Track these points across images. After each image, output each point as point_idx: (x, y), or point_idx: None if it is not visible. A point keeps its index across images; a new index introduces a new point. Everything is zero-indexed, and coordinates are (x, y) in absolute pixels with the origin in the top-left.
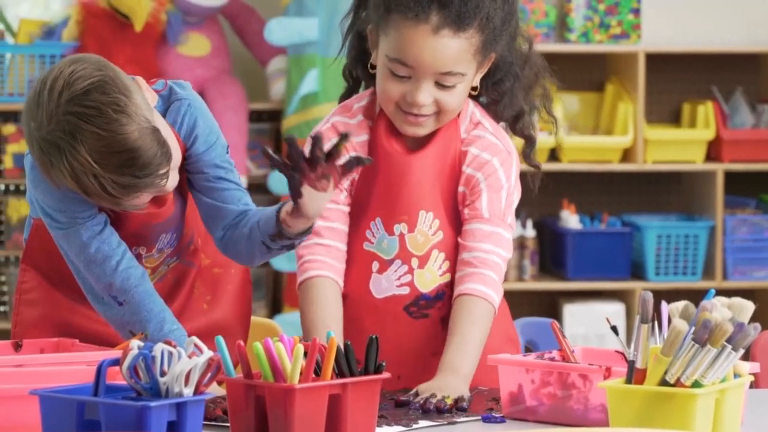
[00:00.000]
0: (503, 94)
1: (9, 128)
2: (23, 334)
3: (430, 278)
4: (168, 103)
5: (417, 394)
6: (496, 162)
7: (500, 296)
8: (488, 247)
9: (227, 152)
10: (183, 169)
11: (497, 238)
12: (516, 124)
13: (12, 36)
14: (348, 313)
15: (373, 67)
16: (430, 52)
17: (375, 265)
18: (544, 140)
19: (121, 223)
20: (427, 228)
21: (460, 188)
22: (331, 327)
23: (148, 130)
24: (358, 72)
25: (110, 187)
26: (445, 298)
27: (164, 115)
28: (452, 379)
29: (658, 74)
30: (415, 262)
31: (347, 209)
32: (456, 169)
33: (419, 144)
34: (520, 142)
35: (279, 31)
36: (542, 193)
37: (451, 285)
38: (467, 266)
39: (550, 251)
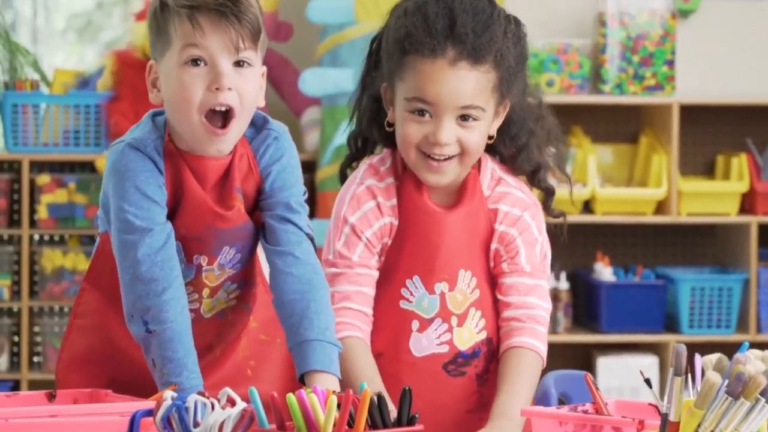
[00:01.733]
0: (520, 149)
1: (44, 178)
2: (66, 369)
3: (467, 336)
4: (259, 130)
5: None
6: (527, 217)
7: (546, 348)
8: (533, 301)
9: (303, 196)
10: (256, 203)
11: (540, 291)
12: (534, 177)
13: (47, 86)
14: (385, 371)
15: (390, 125)
16: (449, 86)
17: (415, 324)
18: (577, 192)
19: (187, 222)
20: (466, 286)
21: (494, 245)
22: (374, 378)
23: (259, 10)
24: (374, 134)
25: None
26: (480, 355)
27: (251, 142)
28: (506, 425)
29: (692, 126)
30: (454, 321)
31: (377, 274)
32: (488, 226)
33: (449, 202)
34: (538, 193)
35: (313, 81)
36: (576, 245)
37: (486, 342)
38: (515, 321)
39: (584, 303)
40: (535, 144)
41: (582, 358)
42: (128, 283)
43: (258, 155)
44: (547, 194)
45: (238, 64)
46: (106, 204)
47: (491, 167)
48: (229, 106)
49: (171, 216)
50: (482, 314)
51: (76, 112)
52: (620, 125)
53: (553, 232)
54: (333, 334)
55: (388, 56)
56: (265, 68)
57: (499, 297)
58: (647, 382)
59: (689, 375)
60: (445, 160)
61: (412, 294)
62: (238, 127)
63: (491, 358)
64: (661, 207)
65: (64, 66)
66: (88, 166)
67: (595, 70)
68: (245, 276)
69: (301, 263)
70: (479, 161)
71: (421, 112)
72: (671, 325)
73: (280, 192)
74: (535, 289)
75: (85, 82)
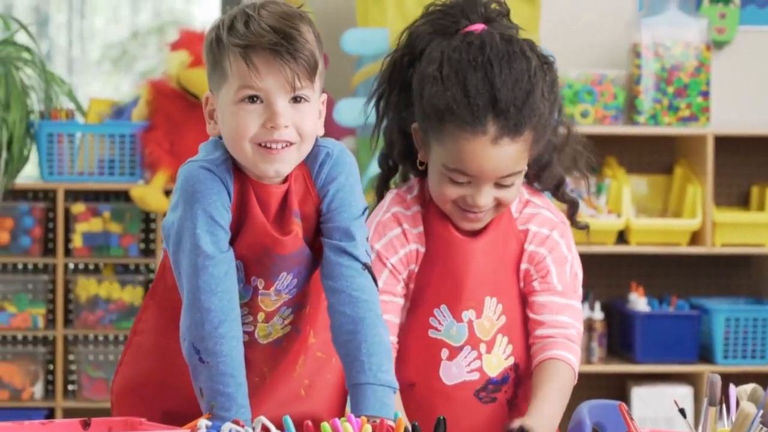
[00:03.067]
0: (544, 167)
1: (79, 207)
2: (121, 391)
3: (496, 362)
4: (311, 148)
5: None
6: (556, 235)
7: (578, 367)
8: (565, 320)
9: (363, 217)
10: (317, 225)
11: (572, 311)
12: (558, 191)
13: (82, 115)
14: (417, 401)
15: (422, 163)
16: (490, 162)
17: (444, 353)
18: (612, 223)
19: (247, 244)
20: (492, 313)
21: (524, 266)
22: (399, 410)
23: (316, 41)
24: (407, 167)
25: (263, 25)
26: (509, 381)
27: (305, 161)
28: (539, 422)
29: (726, 157)
30: (483, 348)
31: (402, 301)
32: (518, 248)
33: (475, 231)
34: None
35: (348, 111)
36: (610, 275)
37: (514, 368)
38: (548, 338)
39: (619, 334)
40: (557, 159)
41: (616, 388)
42: (187, 307)
43: (313, 174)
44: (572, 206)
45: (295, 99)
46: (171, 221)
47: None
48: (287, 143)
49: (234, 237)
50: (509, 340)
51: (111, 142)
52: (655, 156)
53: (590, 261)
54: (388, 374)
55: (424, 115)
56: (325, 96)
57: (531, 315)
58: (682, 412)
59: (724, 405)
60: (482, 212)
61: (440, 323)
62: (297, 154)
63: (519, 383)
64: (695, 238)
65: (99, 95)
66: (123, 195)
67: (630, 100)
68: (301, 300)
69: (354, 301)
70: None
71: (460, 179)
72: (706, 355)
73: (338, 214)
74: (566, 309)
75: (120, 112)
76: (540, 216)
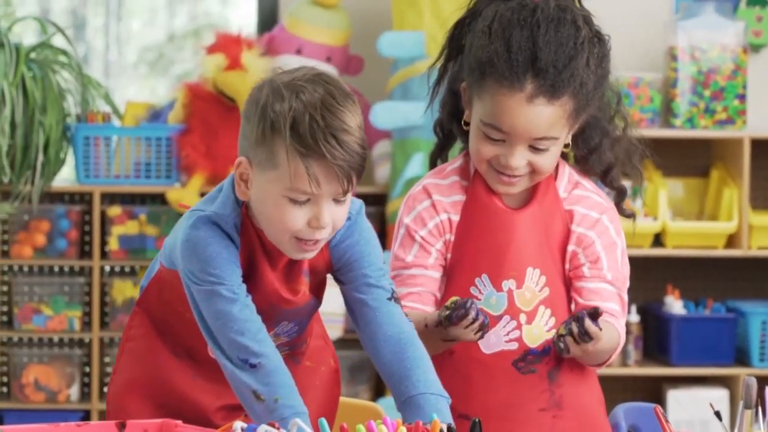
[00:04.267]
0: (592, 150)
1: (115, 210)
2: (119, 393)
3: (537, 334)
4: None
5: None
6: (605, 220)
7: (621, 347)
8: (615, 308)
9: (384, 265)
10: (325, 276)
11: (620, 301)
12: (606, 177)
13: (119, 118)
14: (455, 368)
15: (467, 124)
16: (524, 120)
17: None
18: (648, 225)
19: (253, 298)
20: (534, 284)
21: (571, 247)
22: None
23: (362, 138)
24: (453, 128)
25: (328, 139)
26: (551, 353)
27: None
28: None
29: (763, 160)
30: (523, 318)
31: (435, 273)
32: (563, 228)
33: (521, 202)
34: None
35: (384, 115)
36: (646, 278)
37: None
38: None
39: (655, 337)
40: (608, 144)
41: (652, 391)
42: (221, 328)
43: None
44: (619, 194)
45: (337, 200)
46: (174, 248)
47: (568, 171)
48: (322, 238)
49: None
50: (552, 312)
51: (148, 145)
52: (691, 159)
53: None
54: (435, 384)
55: (469, 69)
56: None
57: (580, 301)
58: (717, 415)
59: (760, 408)
60: (515, 176)
61: (480, 291)
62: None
63: (562, 356)
64: (731, 241)
65: (136, 99)
66: (159, 198)
67: (666, 104)
68: (299, 341)
69: (387, 325)
70: (556, 165)
71: (495, 136)
72: (742, 358)
73: (357, 263)
74: (615, 298)
75: (156, 115)
76: (590, 199)
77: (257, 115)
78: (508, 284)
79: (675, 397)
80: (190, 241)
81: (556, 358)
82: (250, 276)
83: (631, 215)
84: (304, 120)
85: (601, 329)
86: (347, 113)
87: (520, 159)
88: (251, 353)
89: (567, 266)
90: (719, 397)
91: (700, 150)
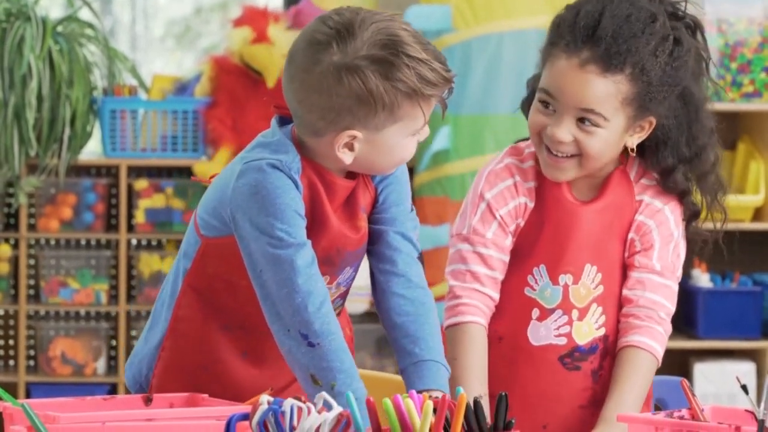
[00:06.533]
0: (665, 171)
1: (141, 183)
2: (162, 375)
3: (587, 331)
4: None
5: None
6: (667, 210)
7: (663, 350)
8: (657, 300)
9: (413, 211)
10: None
11: (666, 292)
12: (682, 200)
13: (145, 92)
14: (503, 355)
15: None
16: (573, 86)
17: (535, 312)
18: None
19: (319, 244)
20: (590, 281)
21: (631, 235)
22: (481, 378)
23: None
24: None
25: (439, 68)
26: (597, 352)
27: None
28: (612, 431)
29: None
30: (575, 314)
31: (507, 258)
32: (629, 220)
33: (589, 196)
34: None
35: None
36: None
37: (604, 339)
38: (634, 318)
39: (681, 310)
40: (682, 170)
41: (679, 365)
42: (285, 297)
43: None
44: (691, 217)
45: None
46: (221, 213)
47: (637, 160)
48: None
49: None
50: (603, 310)
51: (174, 118)
52: (718, 132)
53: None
54: (444, 358)
55: (546, 37)
56: None
57: (624, 291)
58: (744, 388)
59: None
60: (563, 158)
61: (537, 282)
62: None
63: (606, 355)
64: (758, 214)
65: (162, 72)
66: (186, 171)
67: None
68: (347, 293)
69: (414, 286)
70: (629, 159)
71: (546, 104)
72: None
73: (396, 206)
74: (661, 289)
75: (182, 88)
76: (656, 188)
77: (372, 91)
78: (565, 278)
79: (701, 370)
80: (258, 188)
81: (602, 357)
82: (315, 221)
83: (698, 234)
84: (423, 67)
85: None
86: (417, 33)
87: (565, 132)
88: (312, 331)
89: (626, 255)
90: (746, 370)
91: (727, 123)
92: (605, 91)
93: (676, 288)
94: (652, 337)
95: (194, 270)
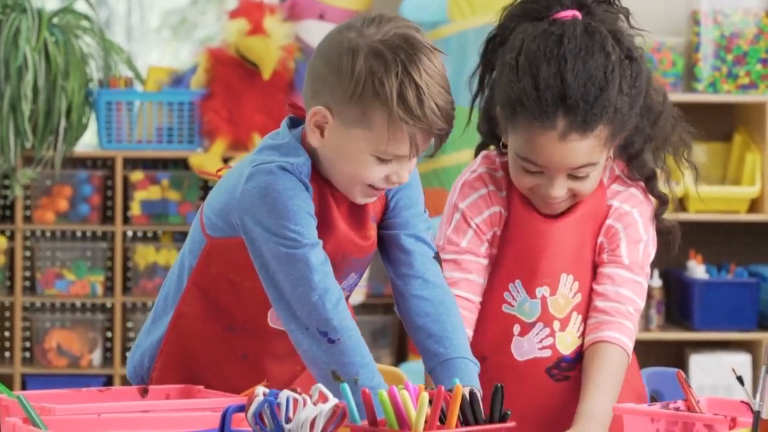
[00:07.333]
0: (632, 156)
1: (137, 175)
2: (162, 370)
3: (570, 341)
4: None
5: None
6: (636, 213)
7: (633, 344)
8: (625, 294)
9: (425, 213)
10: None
11: (635, 287)
12: (648, 185)
13: (141, 83)
14: (488, 375)
15: (505, 146)
16: (559, 156)
17: (516, 328)
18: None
19: (325, 248)
20: (568, 291)
21: (600, 238)
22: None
23: (452, 101)
24: (492, 144)
25: (429, 105)
26: None
27: None
28: (591, 427)
29: None
30: (556, 325)
31: (486, 261)
32: (600, 225)
33: (559, 211)
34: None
35: None
36: (668, 243)
37: None
38: (603, 314)
39: (677, 301)
40: (650, 149)
41: (674, 356)
42: (301, 296)
43: None
44: (660, 203)
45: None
46: (229, 216)
47: (610, 165)
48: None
49: None
50: (584, 318)
51: (170, 110)
52: (714, 123)
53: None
54: (471, 353)
55: (500, 103)
56: None
57: (593, 286)
58: (740, 379)
59: None
60: (557, 202)
61: (514, 298)
62: None
63: None
64: (754, 205)
65: (158, 63)
66: (182, 163)
67: (689, 68)
68: (350, 295)
69: (432, 286)
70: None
71: (532, 169)
72: (764, 323)
73: (408, 209)
74: (630, 284)
75: (178, 80)
76: (626, 192)
77: (353, 72)
78: (542, 291)
79: (697, 361)
80: (269, 191)
81: None
82: (323, 225)
83: (669, 228)
84: (411, 88)
85: None
86: (442, 73)
87: (560, 189)
88: (332, 328)
89: (597, 257)
90: (742, 361)
91: (723, 114)
92: (590, 147)
93: (645, 285)
94: (621, 331)
95: (199, 269)
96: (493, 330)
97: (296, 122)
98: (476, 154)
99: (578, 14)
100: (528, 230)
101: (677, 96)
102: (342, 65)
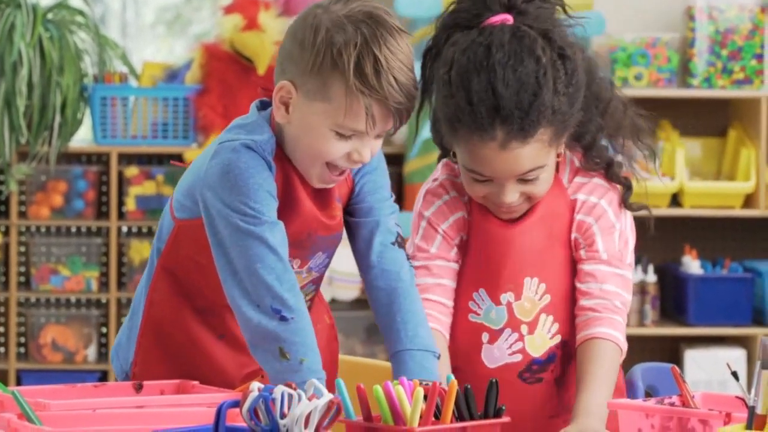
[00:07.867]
0: (587, 147)
1: (132, 170)
2: (143, 362)
3: (540, 342)
4: None
5: None
6: (604, 203)
7: (625, 338)
8: (611, 289)
9: (392, 199)
10: (345, 207)
11: (618, 280)
12: (608, 173)
13: (136, 79)
14: (461, 385)
15: (455, 155)
16: (504, 165)
17: (485, 336)
18: (665, 185)
19: (290, 228)
20: (533, 294)
21: (573, 234)
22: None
23: (415, 78)
24: (446, 155)
25: (387, 78)
26: (556, 360)
27: None
28: (590, 422)
29: None
30: (524, 329)
31: (457, 266)
32: (568, 219)
33: (522, 213)
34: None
35: None
36: (663, 238)
37: (562, 345)
38: (591, 311)
39: (672, 297)
40: (605, 137)
41: (669, 351)
42: (255, 272)
43: None
44: (625, 189)
45: (379, 136)
46: (195, 194)
47: (570, 158)
48: (352, 169)
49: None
50: (554, 318)
51: (165, 105)
52: (708, 119)
53: (640, 225)
54: (425, 339)
55: (441, 119)
56: None
57: (577, 284)
58: (734, 375)
59: None
60: (512, 208)
61: (479, 306)
62: None
63: (568, 360)
64: (749, 200)
65: (153, 59)
66: (177, 159)
67: (684, 63)
68: (319, 280)
69: (386, 274)
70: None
71: (481, 178)
72: (759, 318)
73: (371, 195)
74: (612, 278)
75: (173, 75)
76: (590, 184)
77: (314, 44)
78: (507, 297)
79: (692, 357)
80: (231, 168)
81: (564, 364)
82: (287, 203)
83: (639, 209)
84: (369, 59)
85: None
86: (406, 53)
87: (512, 195)
88: (286, 306)
89: (574, 253)
90: (736, 357)
91: (718, 110)
92: (534, 151)
93: (629, 276)
94: (612, 327)
95: (167, 252)
96: (462, 340)
97: (267, 105)
98: (438, 162)
99: (509, 18)
100: (488, 237)
101: (672, 92)
102: (305, 39)
